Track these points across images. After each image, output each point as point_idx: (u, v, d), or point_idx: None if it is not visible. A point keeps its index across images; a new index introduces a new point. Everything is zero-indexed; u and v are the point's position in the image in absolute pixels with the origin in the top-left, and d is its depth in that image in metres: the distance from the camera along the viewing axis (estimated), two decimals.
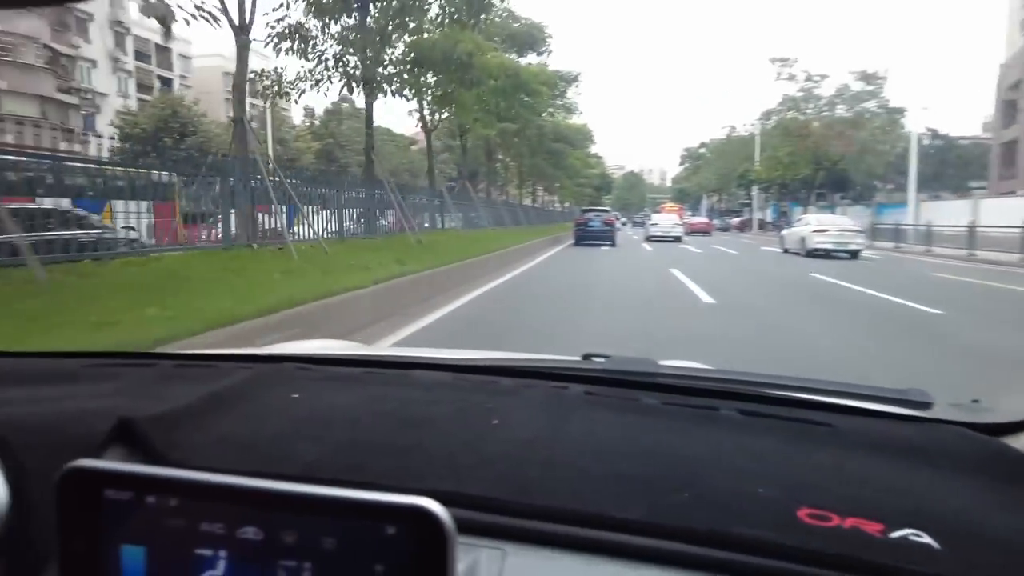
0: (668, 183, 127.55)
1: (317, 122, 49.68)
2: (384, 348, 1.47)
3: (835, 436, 0.71)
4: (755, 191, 52.64)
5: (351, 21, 14.27)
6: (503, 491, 0.58)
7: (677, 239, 30.27)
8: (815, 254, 19.38)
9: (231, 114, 15.87)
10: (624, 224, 64.57)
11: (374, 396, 0.80)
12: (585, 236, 25.28)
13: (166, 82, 52.77)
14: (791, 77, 41.18)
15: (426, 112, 20.78)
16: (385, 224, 16.38)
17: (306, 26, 13.97)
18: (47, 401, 0.75)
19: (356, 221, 14.81)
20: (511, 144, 35.24)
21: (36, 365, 0.93)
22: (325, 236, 12.44)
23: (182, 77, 54.90)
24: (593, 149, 63.66)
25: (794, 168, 40.86)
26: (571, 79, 37.74)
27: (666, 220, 32.35)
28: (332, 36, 14.48)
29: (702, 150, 75.05)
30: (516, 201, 43.80)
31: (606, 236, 25.14)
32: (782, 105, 43.40)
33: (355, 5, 13.88)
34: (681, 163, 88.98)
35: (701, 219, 50.37)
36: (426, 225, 19.77)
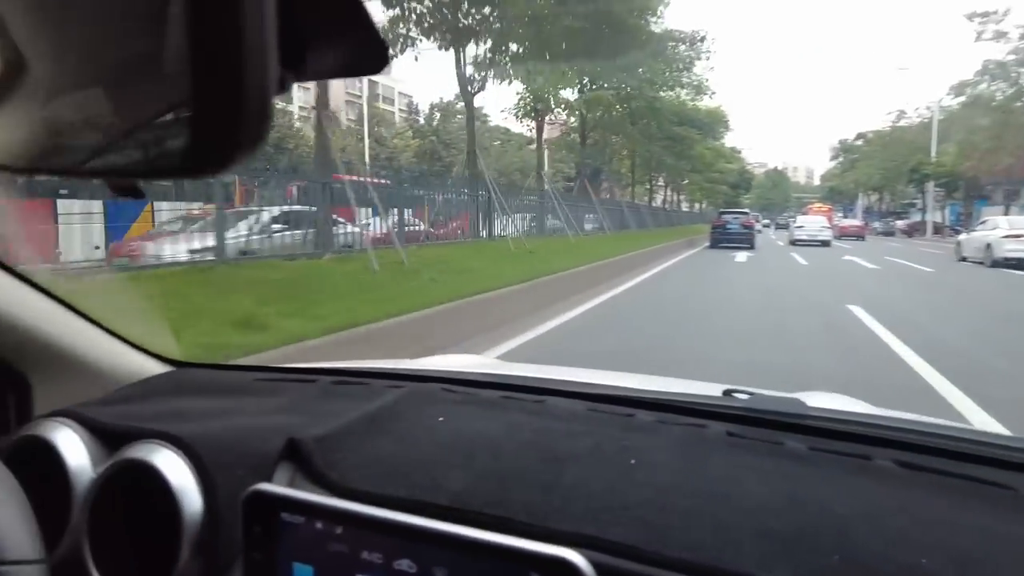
0: (816, 181, 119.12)
1: (422, 119, 45.43)
2: (520, 367, 1.51)
3: (1018, 503, 0.65)
4: (929, 187, 41.21)
5: None
6: (642, 539, 0.58)
7: (824, 243, 27.81)
8: (1007, 264, 15.64)
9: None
10: (766, 226, 59.55)
11: (513, 423, 0.82)
12: (722, 239, 24.32)
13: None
14: (999, 36, 30.08)
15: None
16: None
17: None
18: (227, 415, 0.85)
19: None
20: (619, 124, 28.79)
21: (215, 377, 1.05)
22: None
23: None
24: (729, 141, 52.84)
25: (993, 157, 30.41)
26: (694, 41, 28.78)
27: (812, 222, 29.81)
28: None
29: (858, 143, 66.88)
30: (639, 202, 37.71)
31: (744, 239, 23.98)
32: (983, 74, 32.50)
33: None
34: (833, 158, 79.09)
35: (854, 222, 43.92)
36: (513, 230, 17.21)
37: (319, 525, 0.54)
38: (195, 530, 0.64)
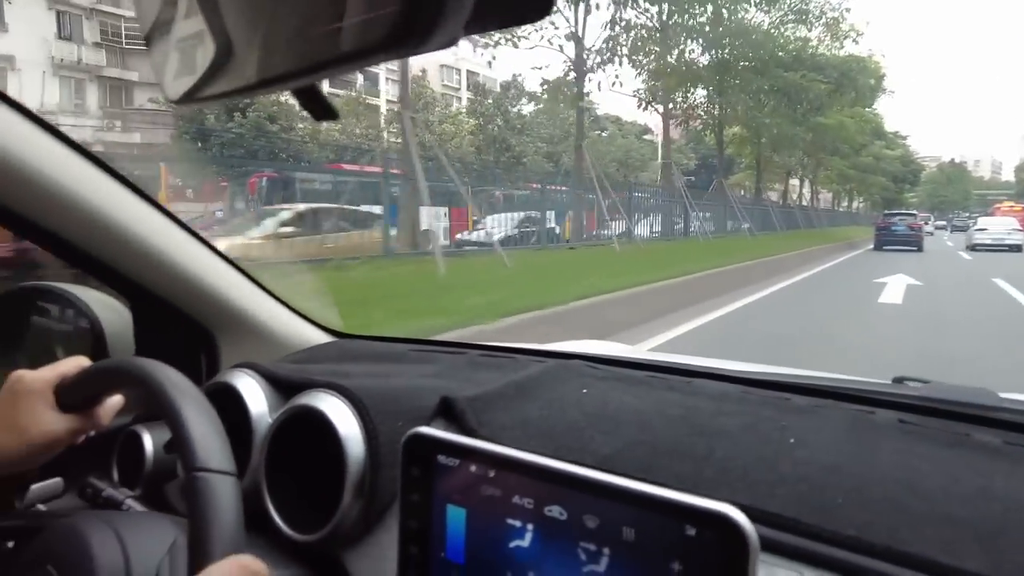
0: (1006, 176, 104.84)
1: (490, 100, 34.37)
2: (661, 354, 1.49)
3: None
4: None
5: None
6: (803, 513, 0.54)
7: (1015, 248, 24.00)
8: None
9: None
10: (940, 228, 51.30)
11: (660, 400, 0.80)
12: (887, 241, 22.50)
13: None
14: None
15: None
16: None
17: None
18: (386, 376, 0.90)
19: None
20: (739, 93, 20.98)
21: (374, 347, 1.12)
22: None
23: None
24: (890, 125, 39.82)
25: None
26: None
27: (998, 224, 24.83)
28: None
29: None
30: (766, 198, 30.33)
31: (911, 241, 22.06)
32: None
33: None
34: None
35: None
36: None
37: (473, 468, 0.55)
38: (357, 473, 0.68)
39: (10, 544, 0.64)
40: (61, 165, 0.84)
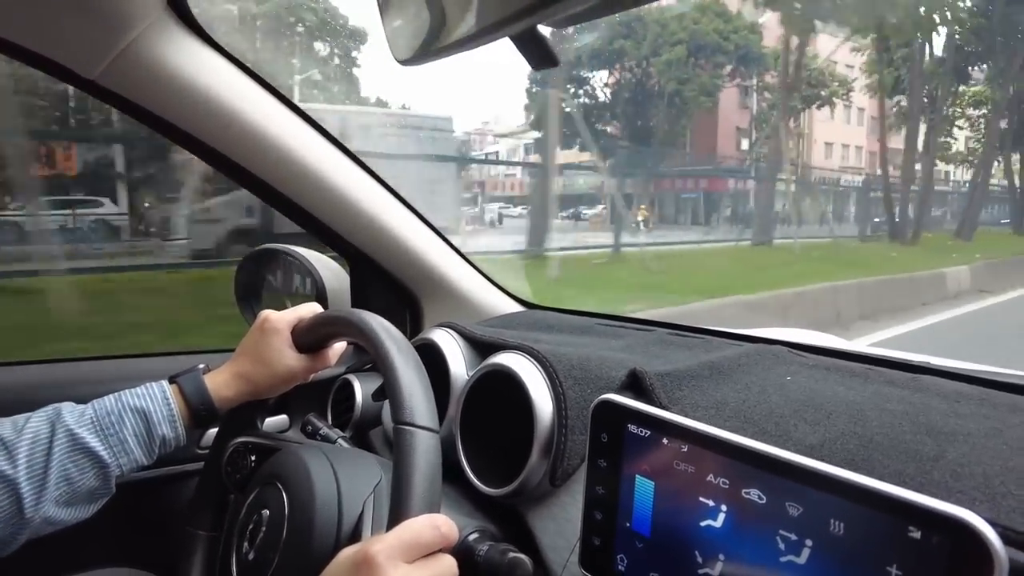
0: None
1: None
2: (878, 348, 1.34)
3: None
4: None
5: None
6: None
7: None
8: None
9: None
10: None
11: (878, 394, 0.72)
12: None
13: None
14: None
15: None
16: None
17: None
18: (574, 346, 0.90)
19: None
20: None
21: (562, 319, 1.13)
22: None
23: None
24: None
25: None
26: None
27: None
28: None
29: None
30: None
31: None
32: None
33: None
34: None
35: None
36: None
37: (665, 441, 0.54)
38: (546, 434, 0.69)
39: (252, 459, 0.74)
40: (304, 144, 0.94)
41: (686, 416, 0.68)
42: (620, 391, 0.75)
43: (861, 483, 0.42)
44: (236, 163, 0.93)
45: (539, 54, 0.32)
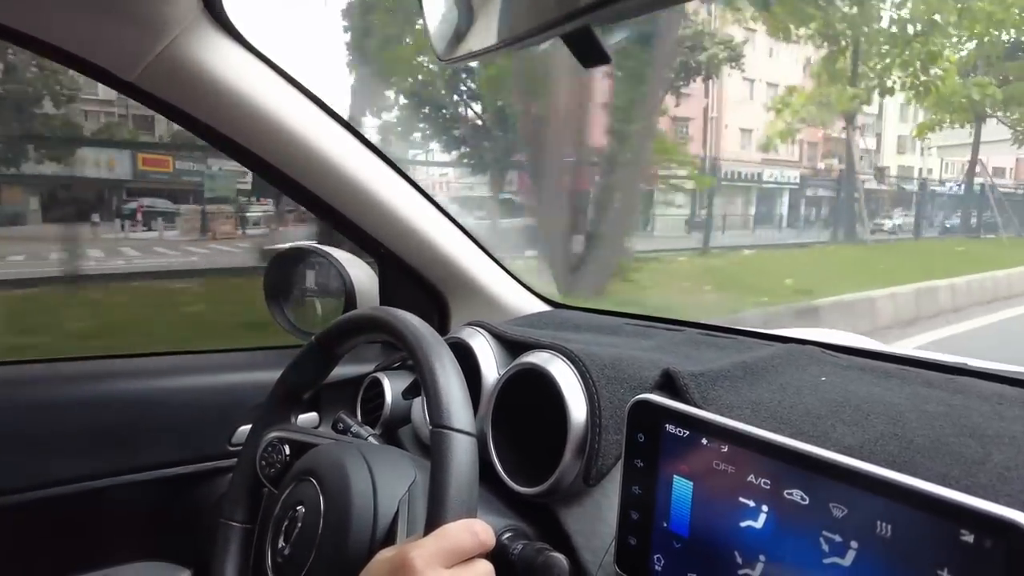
0: None
1: None
2: (914, 349, 1.31)
3: None
4: None
5: None
6: None
7: None
8: None
9: None
10: None
11: (916, 395, 0.71)
12: None
13: None
14: None
15: None
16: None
17: None
18: (605, 346, 0.90)
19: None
20: None
21: (590, 318, 1.13)
22: None
23: None
24: None
25: None
26: None
27: None
28: None
29: None
30: None
31: None
32: None
33: None
34: None
35: None
36: None
37: (704, 441, 0.53)
38: (579, 433, 0.69)
39: (287, 453, 0.75)
40: (335, 145, 0.95)
41: (721, 416, 0.68)
42: (654, 391, 0.75)
43: (910, 484, 0.41)
44: (269, 163, 0.94)
45: (591, 53, 0.32)
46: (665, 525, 0.56)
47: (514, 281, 1.19)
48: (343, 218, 1.04)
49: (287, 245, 1.27)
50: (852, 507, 0.44)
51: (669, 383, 0.74)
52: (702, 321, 1.11)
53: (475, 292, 1.14)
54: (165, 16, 0.76)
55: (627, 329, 1.04)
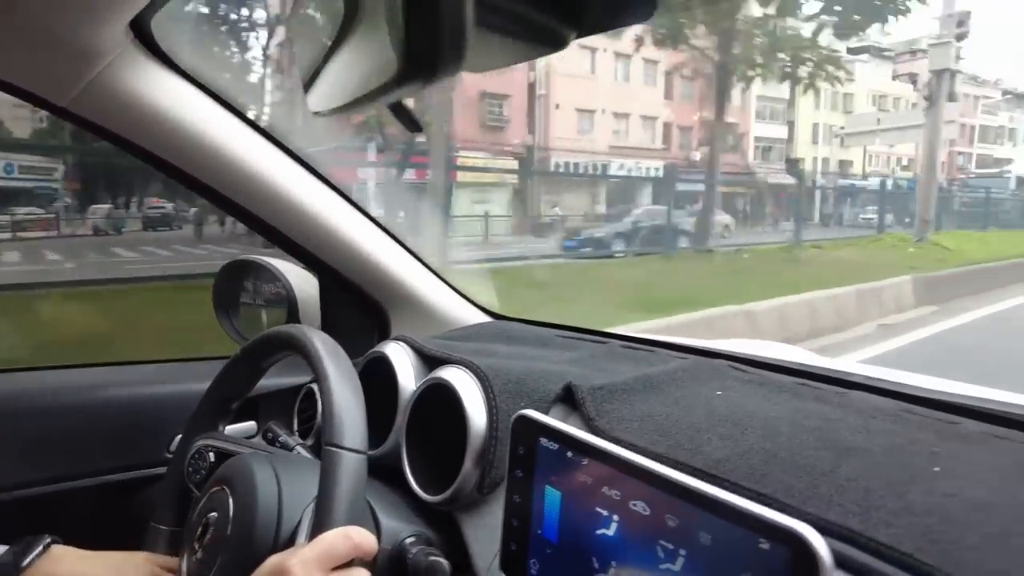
0: None
1: None
2: (831, 360, 1.36)
3: None
4: None
5: None
6: (922, 550, 0.50)
7: None
8: None
9: None
10: None
11: (800, 409, 0.76)
12: None
13: None
14: None
15: None
16: None
17: None
18: (526, 359, 0.95)
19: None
20: None
21: (525, 330, 1.17)
22: None
23: None
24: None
25: None
26: None
27: None
28: None
29: None
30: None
31: None
32: None
33: None
34: None
35: None
36: None
37: (569, 454, 0.58)
38: (478, 444, 0.74)
39: (211, 458, 0.79)
40: (270, 164, 0.99)
41: (610, 428, 0.73)
42: (554, 404, 0.80)
43: (721, 498, 0.46)
44: (206, 184, 0.98)
45: (409, 122, 0.37)
46: (539, 532, 0.60)
47: (455, 293, 1.24)
48: (282, 236, 1.07)
49: (243, 257, 1.31)
50: (682, 518, 0.49)
51: (570, 397, 0.79)
52: (627, 333, 1.16)
53: (415, 305, 1.18)
54: (96, 46, 0.79)
55: (557, 341, 1.09)
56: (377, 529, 0.72)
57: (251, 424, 1.10)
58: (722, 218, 17.50)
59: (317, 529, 0.56)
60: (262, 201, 1.02)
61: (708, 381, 0.85)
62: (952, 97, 13.37)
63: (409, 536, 0.72)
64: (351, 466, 0.59)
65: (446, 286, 1.23)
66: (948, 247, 11.94)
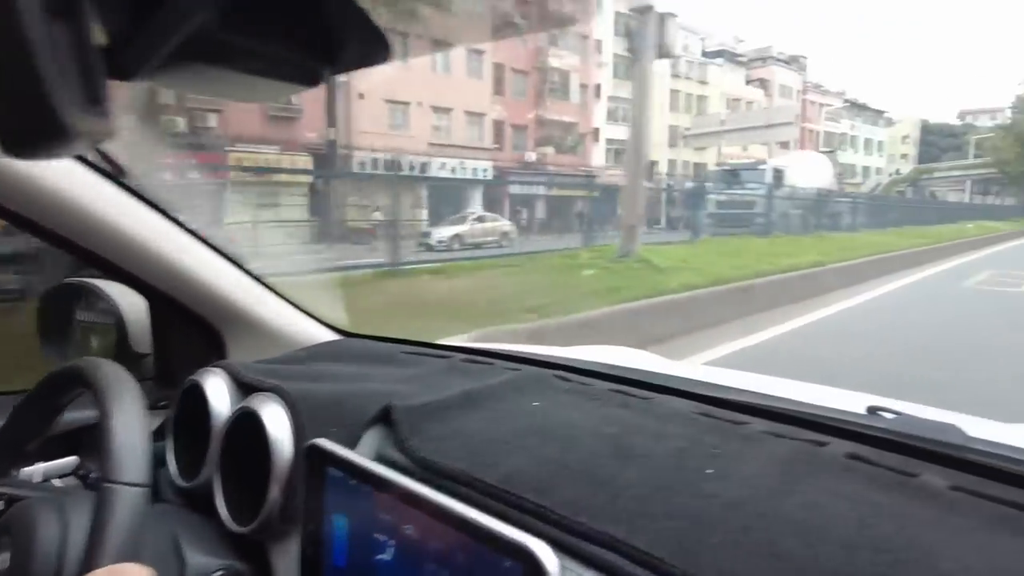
0: None
1: None
2: (675, 365, 1.43)
3: None
4: None
5: None
6: (673, 552, 0.53)
7: None
8: None
9: None
10: None
11: (606, 416, 0.79)
12: None
13: None
14: None
15: None
16: None
17: None
18: (359, 380, 0.94)
19: None
20: None
21: (370, 347, 1.17)
22: None
23: None
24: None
25: None
26: None
27: None
28: None
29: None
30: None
31: None
32: None
33: None
34: None
35: None
36: None
37: (353, 481, 0.58)
38: (283, 473, 0.73)
39: (1, 506, 0.74)
40: (87, 189, 0.94)
41: (422, 448, 0.73)
42: (370, 426, 0.80)
43: (468, 518, 0.48)
44: (25, 216, 0.92)
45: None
46: (331, 560, 0.60)
47: (298, 312, 1.21)
48: (104, 260, 1.02)
49: (70, 280, 1.23)
50: (444, 540, 0.50)
51: (387, 417, 0.79)
52: (473, 346, 1.17)
53: (253, 326, 1.15)
54: None
55: (400, 357, 1.09)
56: (181, 565, 0.70)
57: (72, 460, 1.03)
58: (497, 224, 16.39)
59: (85, 569, 0.54)
60: (81, 228, 0.96)
61: (529, 393, 0.88)
62: (665, 51, 9.65)
63: (218, 570, 0.70)
64: (126, 501, 0.57)
65: (289, 305, 1.20)
66: (658, 265, 8.66)
